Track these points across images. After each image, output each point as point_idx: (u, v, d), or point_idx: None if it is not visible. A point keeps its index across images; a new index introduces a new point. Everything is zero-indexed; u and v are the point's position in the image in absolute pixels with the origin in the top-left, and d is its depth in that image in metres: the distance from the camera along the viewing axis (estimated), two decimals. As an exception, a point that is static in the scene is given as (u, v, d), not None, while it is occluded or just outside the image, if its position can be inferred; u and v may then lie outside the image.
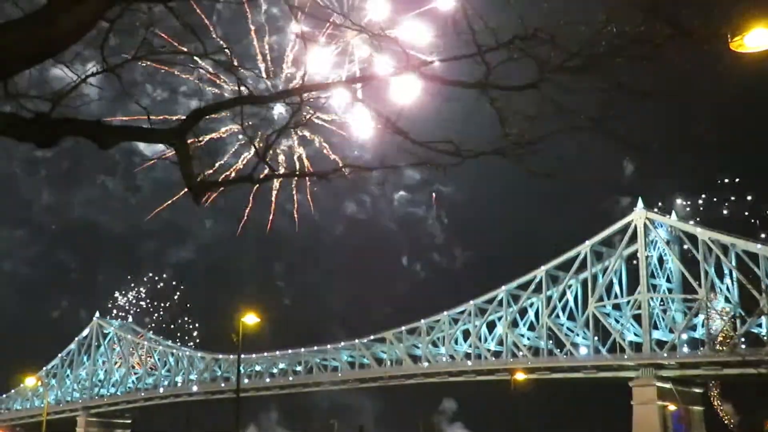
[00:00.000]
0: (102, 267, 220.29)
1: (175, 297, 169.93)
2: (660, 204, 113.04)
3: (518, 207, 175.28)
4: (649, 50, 14.63)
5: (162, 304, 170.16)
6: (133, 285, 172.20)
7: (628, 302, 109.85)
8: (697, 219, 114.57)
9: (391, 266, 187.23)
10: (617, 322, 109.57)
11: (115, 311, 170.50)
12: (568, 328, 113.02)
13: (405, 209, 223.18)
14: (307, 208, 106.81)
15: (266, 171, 17.27)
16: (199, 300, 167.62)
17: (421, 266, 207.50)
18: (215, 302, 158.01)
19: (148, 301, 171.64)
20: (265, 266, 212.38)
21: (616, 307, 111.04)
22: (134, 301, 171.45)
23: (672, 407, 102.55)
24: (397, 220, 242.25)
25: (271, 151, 17.41)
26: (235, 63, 17.22)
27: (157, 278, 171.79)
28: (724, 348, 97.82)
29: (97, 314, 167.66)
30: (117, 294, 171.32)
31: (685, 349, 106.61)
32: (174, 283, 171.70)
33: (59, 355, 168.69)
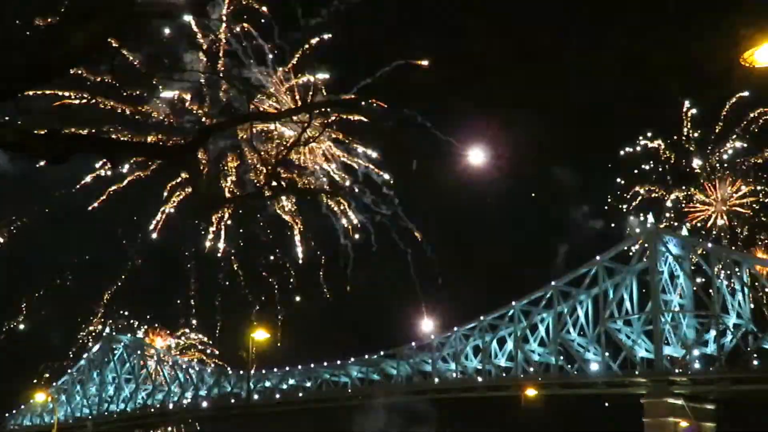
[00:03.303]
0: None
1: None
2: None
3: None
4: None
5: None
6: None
7: (640, 318, 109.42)
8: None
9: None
10: (628, 338, 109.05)
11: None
12: (579, 344, 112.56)
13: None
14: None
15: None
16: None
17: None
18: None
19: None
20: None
21: (627, 323, 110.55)
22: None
23: (684, 423, 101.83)
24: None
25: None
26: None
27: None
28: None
29: (108, 329, 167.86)
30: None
31: (697, 365, 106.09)
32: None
33: (69, 371, 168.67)
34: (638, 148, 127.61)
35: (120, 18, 12.37)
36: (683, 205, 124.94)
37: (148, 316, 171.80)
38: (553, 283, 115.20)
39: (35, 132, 13.16)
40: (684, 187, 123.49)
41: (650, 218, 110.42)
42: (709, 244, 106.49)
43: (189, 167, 14.66)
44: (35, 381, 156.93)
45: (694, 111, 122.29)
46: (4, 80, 11.58)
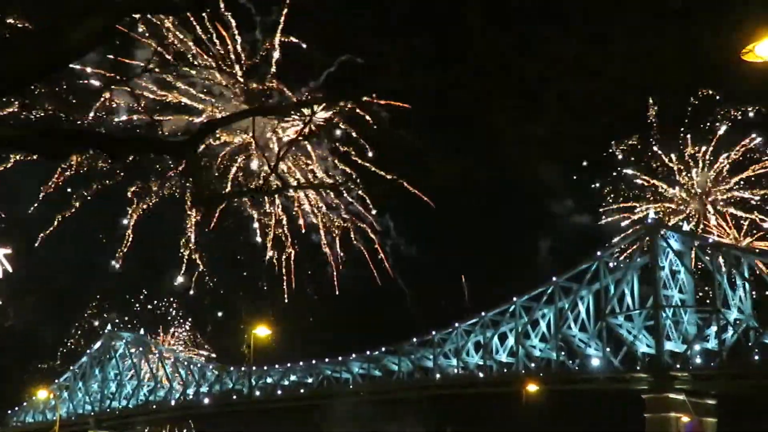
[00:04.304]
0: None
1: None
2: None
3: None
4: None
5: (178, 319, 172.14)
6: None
7: (641, 313, 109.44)
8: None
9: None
10: (629, 333, 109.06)
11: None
12: (580, 340, 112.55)
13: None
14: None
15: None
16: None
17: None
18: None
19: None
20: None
21: (629, 318, 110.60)
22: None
23: (685, 419, 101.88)
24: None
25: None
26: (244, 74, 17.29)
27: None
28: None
29: (109, 326, 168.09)
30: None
31: (698, 361, 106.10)
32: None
33: (71, 368, 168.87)
34: (626, 146, 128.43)
35: (120, 13, 12.34)
36: (664, 201, 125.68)
37: (135, 321, 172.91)
38: (554, 278, 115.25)
39: (35, 128, 13.12)
40: (664, 186, 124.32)
41: (651, 213, 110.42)
42: (711, 239, 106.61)
43: (190, 163, 14.60)
44: (36, 378, 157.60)
45: (657, 108, 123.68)
46: (4, 79, 11.56)
